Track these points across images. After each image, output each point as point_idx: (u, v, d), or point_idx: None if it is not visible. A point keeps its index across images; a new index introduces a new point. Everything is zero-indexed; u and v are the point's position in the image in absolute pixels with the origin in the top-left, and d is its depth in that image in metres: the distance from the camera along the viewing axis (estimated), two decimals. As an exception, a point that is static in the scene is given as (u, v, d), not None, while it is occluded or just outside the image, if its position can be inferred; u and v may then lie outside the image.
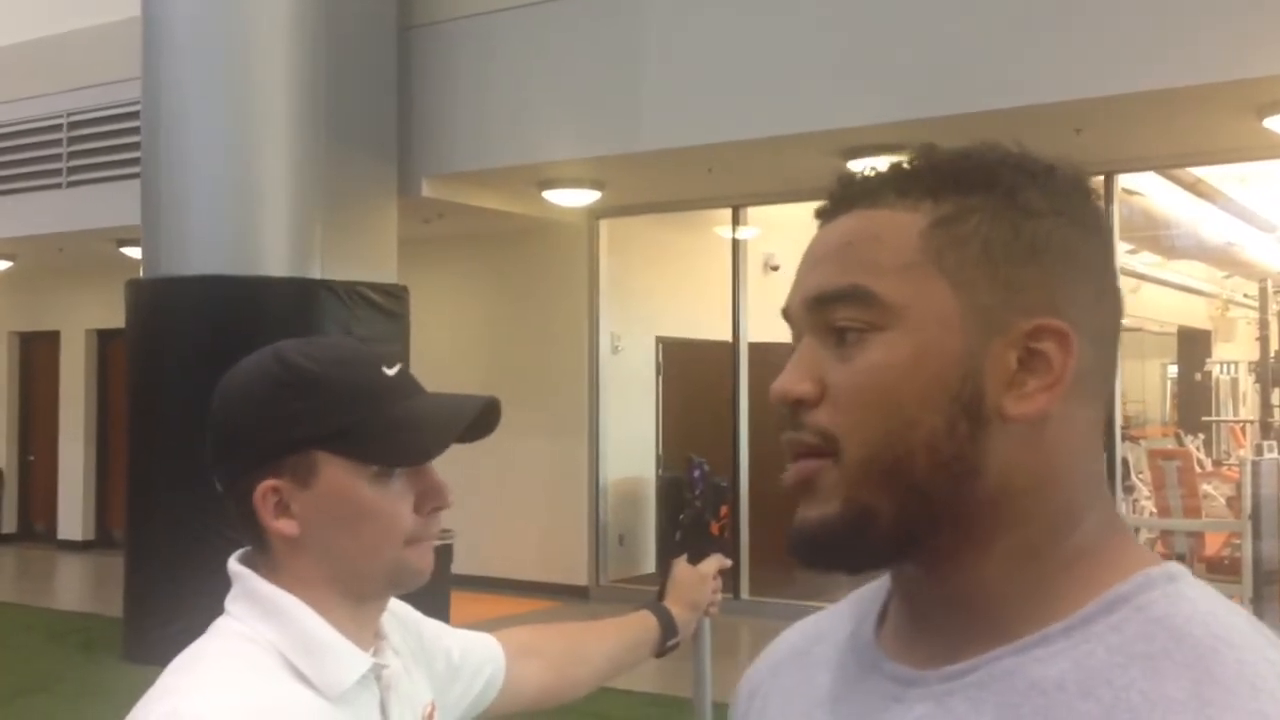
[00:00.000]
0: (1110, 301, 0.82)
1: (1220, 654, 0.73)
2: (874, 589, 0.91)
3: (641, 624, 1.83)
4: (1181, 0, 6.23)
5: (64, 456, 13.71)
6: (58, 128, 10.76)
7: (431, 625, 1.51)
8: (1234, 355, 16.85)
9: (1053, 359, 0.78)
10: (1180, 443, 12.81)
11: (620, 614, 1.86)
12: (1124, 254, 10.03)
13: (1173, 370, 16.75)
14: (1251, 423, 15.17)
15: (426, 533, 1.29)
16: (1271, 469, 8.13)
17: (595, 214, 10.02)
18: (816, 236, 0.85)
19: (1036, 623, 0.77)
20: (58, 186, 10.80)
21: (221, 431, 1.27)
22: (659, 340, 10.77)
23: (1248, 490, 8.08)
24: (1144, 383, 15.13)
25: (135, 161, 8.69)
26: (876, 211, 0.82)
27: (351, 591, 1.27)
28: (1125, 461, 9.59)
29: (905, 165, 0.83)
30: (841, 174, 0.87)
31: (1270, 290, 14.90)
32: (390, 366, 1.29)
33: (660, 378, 10.83)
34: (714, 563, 1.95)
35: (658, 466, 10.78)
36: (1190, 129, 7.17)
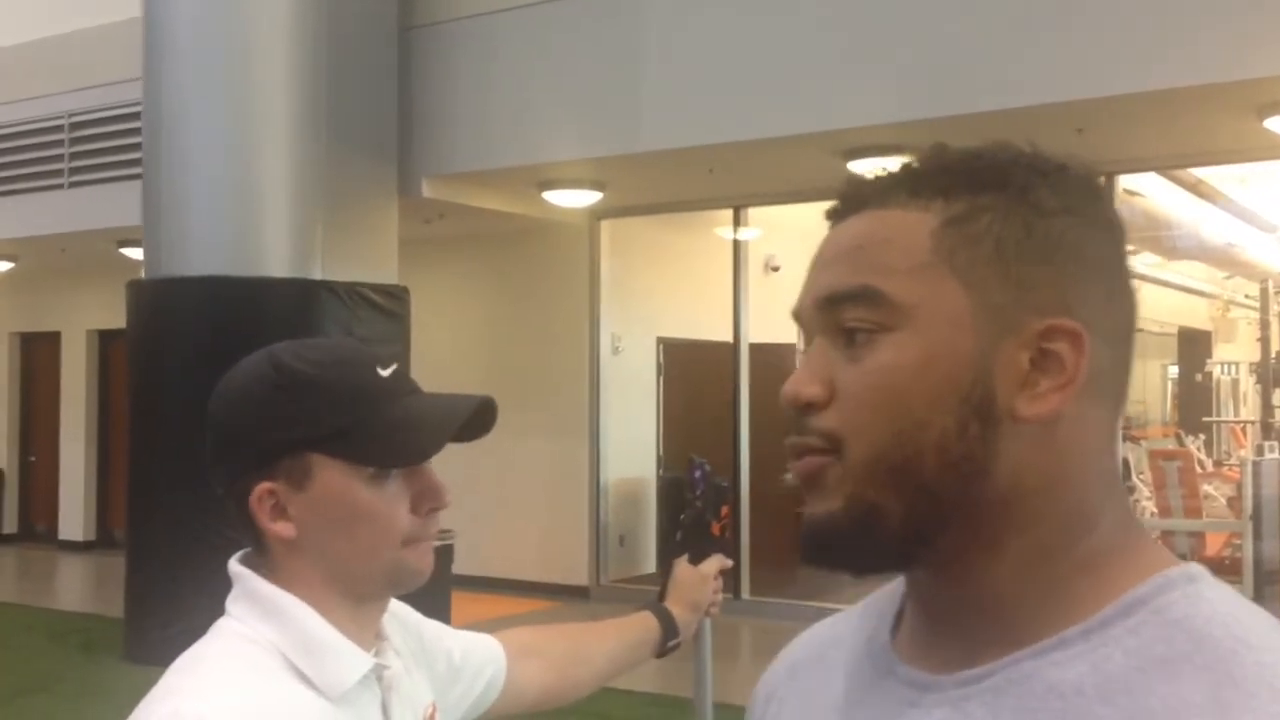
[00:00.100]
0: (1123, 300, 0.81)
1: (1240, 656, 0.72)
2: (889, 593, 0.90)
3: (642, 624, 1.83)
4: (1182, 0, 6.23)
5: (65, 457, 13.72)
6: (59, 128, 10.76)
7: (432, 626, 1.51)
8: (1235, 356, 16.84)
9: (1065, 359, 0.77)
10: (1181, 443, 12.81)
11: (621, 614, 1.86)
12: (1125, 254, 10.01)
13: (1173, 371, 16.75)
14: (1252, 423, 15.17)
15: (424, 533, 1.29)
16: (1272, 469, 8.14)
17: (596, 214, 10.02)
18: (827, 238, 0.85)
19: (1053, 626, 0.77)
20: (59, 187, 10.80)
21: (218, 434, 1.28)
22: (660, 341, 10.77)
23: (1248, 491, 8.09)
24: (1145, 383, 15.13)
25: (136, 162, 8.69)
26: (887, 212, 0.81)
27: (351, 592, 1.27)
28: (1126, 462, 9.60)
29: (916, 165, 0.83)
30: (851, 175, 0.87)
31: (1271, 291, 14.89)
32: (385, 367, 1.29)
33: (661, 378, 10.83)
34: (715, 563, 1.95)
35: (658, 467, 10.78)
36: (1191, 129, 7.17)
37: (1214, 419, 15.89)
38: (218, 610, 1.28)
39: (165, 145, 7.99)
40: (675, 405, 10.82)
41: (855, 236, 0.82)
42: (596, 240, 10.23)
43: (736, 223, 9.89)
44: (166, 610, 7.02)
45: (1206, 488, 10.42)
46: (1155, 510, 9.29)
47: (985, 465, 0.77)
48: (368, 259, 8.25)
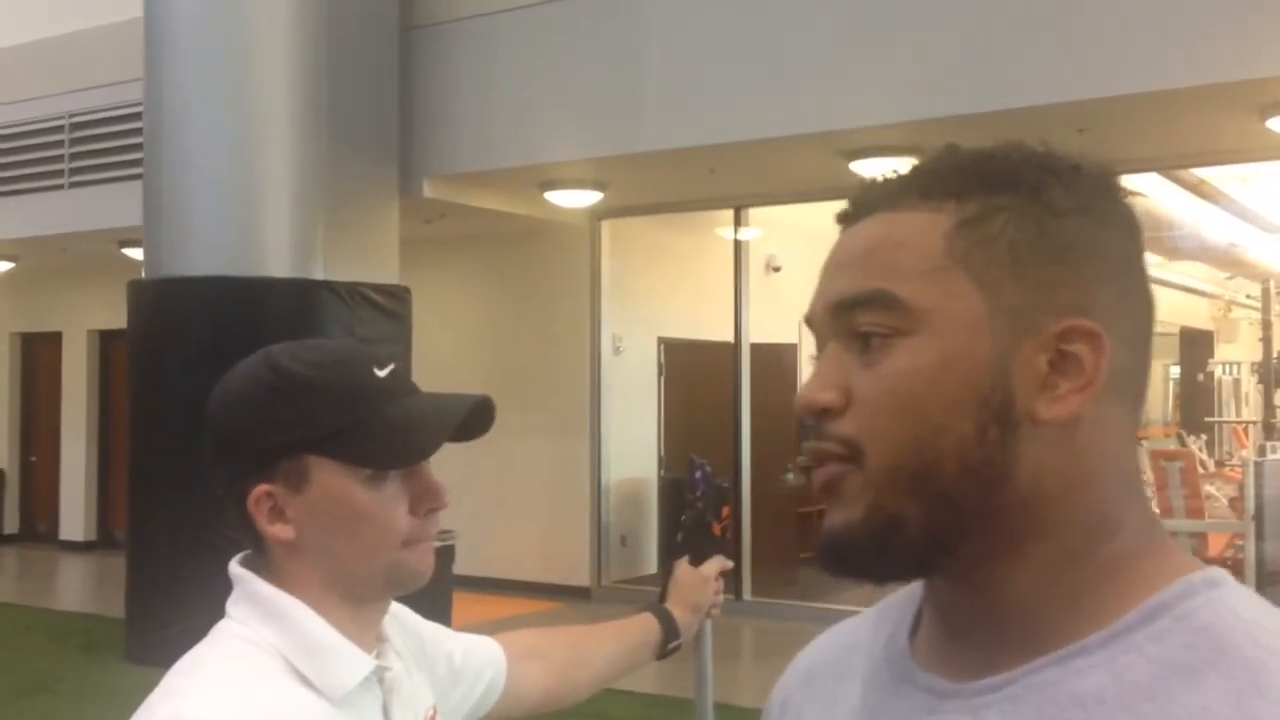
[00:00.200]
0: (1141, 299, 0.81)
1: (1265, 664, 0.71)
2: (904, 597, 0.89)
3: (643, 626, 1.83)
4: (1183, 0, 6.22)
5: (66, 457, 13.72)
6: (60, 129, 10.76)
7: (432, 629, 1.50)
8: (1236, 356, 16.86)
9: (1084, 360, 0.76)
10: (1183, 443, 12.82)
11: (622, 615, 1.86)
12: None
13: (1175, 371, 16.76)
14: (1254, 423, 15.18)
15: (424, 534, 1.28)
16: (1274, 470, 8.13)
17: (597, 215, 10.02)
18: (838, 242, 0.84)
19: (1075, 633, 0.76)
20: (60, 187, 10.80)
21: (216, 436, 1.27)
22: (661, 341, 10.77)
23: (1250, 491, 8.08)
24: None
25: (137, 162, 8.69)
26: (899, 214, 0.80)
27: (351, 594, 1.27)
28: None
29: (927, 166, 0.82)
30: (861, 178, 0.86)
31: (1273, 291, 14.90)
32: (383, 367, 1.28)
33: (662, 379, 10.83)
34: (715, 564, 1.94)
35: (659, 467, 10.78)
36: (1193, 129, 7.16)
37: (1216, 419, 15.90)
38: (218, 611, 1.27)
39: (166, 145, 7.99)
40: (676, 405, 10.82)
41: (867, 240, 0.81)
42: (597, 240, 10.23)
43: (737, 223, 9.89)
44: (167, 610, 7.03)
45: (1208, 488, 10.42)
46: (1157, 510, 9.28)
47: (1005, 470, 0.76)
48: (369, 259, 8.25)
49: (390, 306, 8.23)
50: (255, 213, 7.92)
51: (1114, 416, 0.78)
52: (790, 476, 11.05)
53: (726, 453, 9.81)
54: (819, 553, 0.80)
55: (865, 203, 0.83)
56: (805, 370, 11.15)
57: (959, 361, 0.76)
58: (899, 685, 0.83)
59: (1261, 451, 9.86)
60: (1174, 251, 12.79)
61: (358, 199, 8.27)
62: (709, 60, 7.57)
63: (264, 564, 1.27)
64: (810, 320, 0.83)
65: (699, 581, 1.91)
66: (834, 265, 0.82)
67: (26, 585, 12.13)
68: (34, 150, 10.98)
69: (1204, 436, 14.75)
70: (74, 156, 10.67)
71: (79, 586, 12.25)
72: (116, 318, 9.20)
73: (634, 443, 10.58)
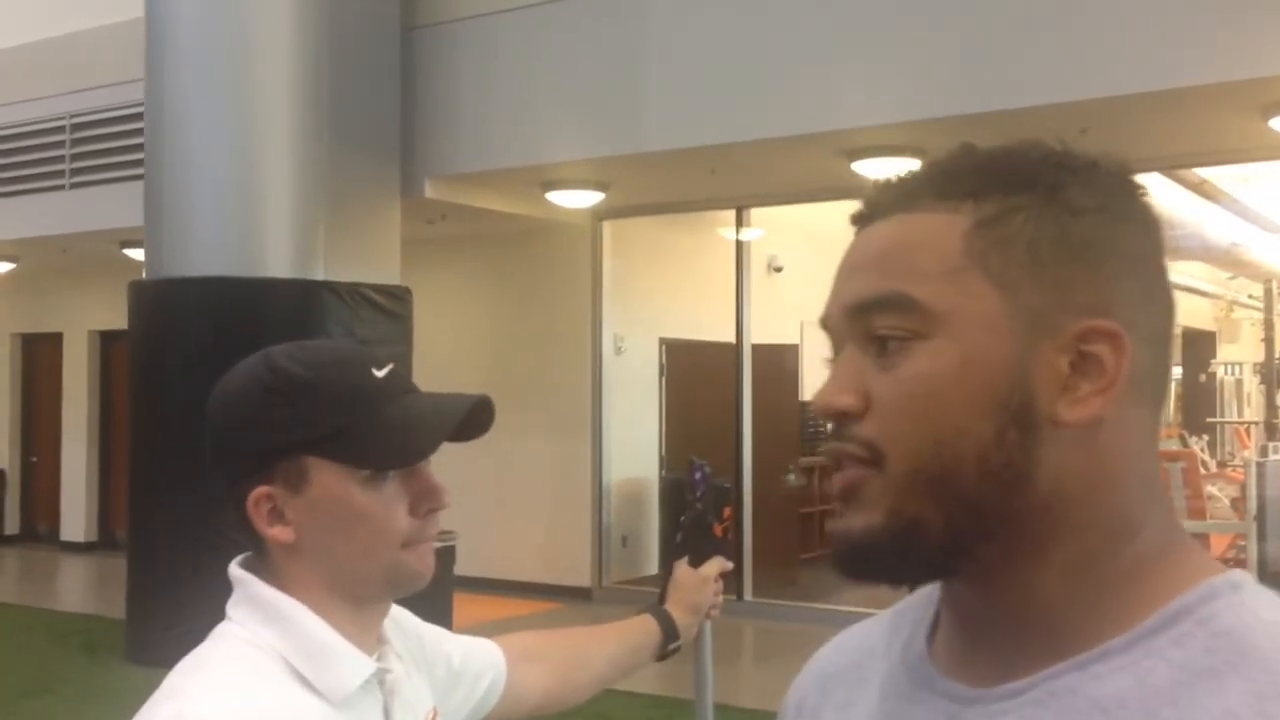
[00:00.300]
0: (1161, 298, 0.80)
1: None
2: (921, 599, 0.89)
3: (642, 628, 1.83)
4: (1185, 0, 6.22)
5: (67, 458, 13.73)
6: (61, 129, 10.76)
7: (432, 631, 1.50)
8: (1238, 356, 16.87)
9: (1105, 361, 0.75)
10: (1185, 444, 12.81)
11: (624, 616, 1.85)
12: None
13: (1177, 371, 16.76)
14: (1256, 424, 15.18)
15: (423, 534, 1.28)
16: (1276, 470, 8.12)
17: (598, 215, 10.02)
18: (853, 243, 0.83)
19: (1096, 637, 0.75)
20: (61, 188, 10.80)
21: (215, 438, 1.27)
22: (662, 341, 10.77)
23: (1252, 491, 8.07)
24: (1148, 384, 15.11)
25: (138, 163, 8.69)
26: (915, 215, 0.79)
27: (351, 595, 1.26)
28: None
29: (943, 166, 0.81)
30: (875, 179, 0.85)
31: (1275, 291, 14.90)
32: (381, 367, 1.27)
33: (663, 379, 10.83)
34: (715, 565, 1.94)
35: (661, 468, 10.78)
36: (1195, 129, 7.16)
37: (1218, 420, 15.90)
38: (219, 612, 1.27)
39: (167, 146, 7.99)
40: (677, 406, 10.82)
41: (883, 241, 0.80)
42: (599, 241, 10.23)
43: (739, 223, 9.89)
44: (168, 611, 7.02)
45: (1210, 489, 10.41)
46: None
47: (1026, 473, 0.75)
48: (370, 259, 8.25)
49: (391, 307, 8.23)
50: (256, 213, 7.92)
51: (1135, 417, 0.77)
52: (791, 477, 11.06)
53: (728, 453, 9.81)
54: (835, 556, 0.79)
55: (880, 204, 0.82)
56: (807, 371, 11.18)
57: (978, 364, 0.75)
58: (917, 691, 0.82)
59: (1263, 452, 9.86)
60: (1176, 252, 12.78)
61: (359, 199, 8.27)
62: (710, 60, 7.56)
63: (264, 566, 1.27)
64: (825, 323, 0.82)
65: (698, 582, 1.91)
66: (849, 267, 0.82)
67: (27, 586, 12.14)
68: (35, 151, 10.98)
69: (1206, 437, 14.76)
70: (75, 157, 10.68)
71: (80, 587, 12.25)
72: (117, 318, 9.20)
73: (635, 443, 10.58)
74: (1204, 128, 7.11)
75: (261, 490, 1.23)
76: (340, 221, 8.08)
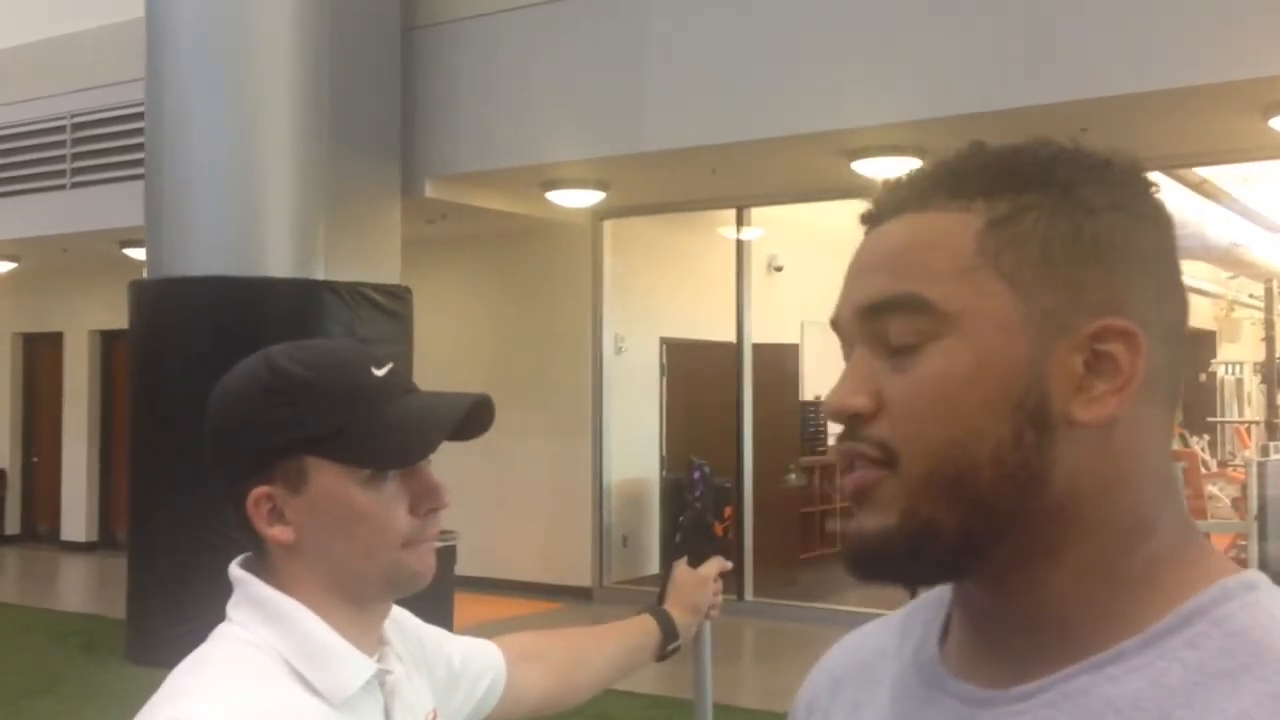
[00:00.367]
0: (1175, 297, 0.80)
1: None
2: (932, 600, 0.88)
3: (642, 628, 1.83)
4: (1185, 0, 6.21)
5: (67, 457, 13.72)
6: (61, 129, 10.76)
7: (432, 632, 1.50)
8: (1239, 356, 16.85)
9: (1121, 360, 0.75)
10: (1185, 444, 12.79)
11: (624, 616, 1.85)
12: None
13: (1178, 371, 16.71)
14: (1257, 423, 15.17)
15: (424, 534, 1.27)
16: (1277, 470, 8.12)
17: (599, 214, 10.01)
18: (864, 244, 0.82)
19: (1110, 638, 0.74)
20: (61, 188, 10.80)
21: (215, 438, 1.27)
22: (663, 341, 10.77)
23: (1253, 491, 8.07)
24: (1148, 384, 15.09)
25: (139, 163, 8.69)
26: (927, 215, 0.78)
27: (351, 596, 1.26)
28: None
29: (954, 165, 0.80)
30: (886, 178, 0.84)
31: (1275, 291, 14.89)
32: (380, 367, 1.27)
33: (664, 378, 10.83)
34: (714, 565, 1.94)
35: (661, 467, 10.78)
36: (1195, 129, 7.15)
37: (1218, 419, 15.89)
38: (220, 612, 1.27)
39: (168, 146, 7.99)
40: (678, 405, 10.82)
41: (894, 241, 0.79)
42: (599, 240, 10.22)
43: (739, 223, 9.89)
44: (168, 611, 7.02)
45: (1211, 488, 10.41)
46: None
47: (1041, 473, 0.74)
48: (370, 259, 8.25)
49: (391, 307, 8.23)
50: (256, 213, 7.91)
51: (1150, 417, 0.77)
52: (792, 477, 11.05)
53: (728, 453, 9.81)
54: (847, 557, 0.79)
55: (890, 203, 0.81)
56: (807, 371, 11.18)
57: (992, 364, 0.75)
58: (929, 692, 0.82)
59: (1264, 452, 9.85)
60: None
61: (359, 199, 8.27)
62: (710, 60, 7.56)
63: (264, 566, 1.27)
64: (836, 324, 0.81)
65: (697, 582, 1.91)
66: (860, 268, 0.81)
67: (28, 586, 12.13)
68: (35, 150, 10.98)
69: (1207, 437, 14.75)
70: (75, 157, 10.68)
71: (80, 587, 12.25)
72: (118, 318, 9.20)
73: (636, 443, 10.58)
74: (1204, 128, 7.11)
75: (261, 490, 1.23)
76: (340, 221, 8.08)
